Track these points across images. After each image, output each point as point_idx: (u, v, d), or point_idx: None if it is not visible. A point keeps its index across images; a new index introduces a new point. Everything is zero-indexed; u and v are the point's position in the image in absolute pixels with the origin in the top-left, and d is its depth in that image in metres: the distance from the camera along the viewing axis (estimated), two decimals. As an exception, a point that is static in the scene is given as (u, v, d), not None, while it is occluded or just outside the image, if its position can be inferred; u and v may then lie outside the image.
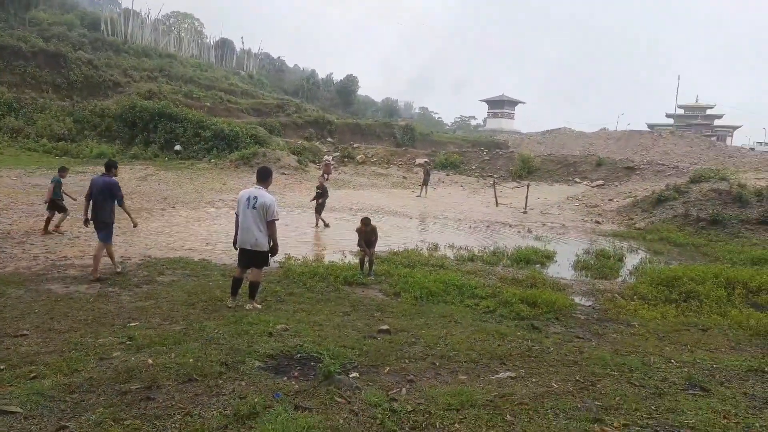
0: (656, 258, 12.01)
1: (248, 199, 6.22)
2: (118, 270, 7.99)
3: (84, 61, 37.45)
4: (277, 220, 6.34)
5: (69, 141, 28.70)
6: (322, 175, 18.15)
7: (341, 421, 3.40)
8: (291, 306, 6.71)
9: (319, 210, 13.99)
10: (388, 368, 4.55)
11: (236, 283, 6.59)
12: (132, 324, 5.55)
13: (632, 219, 18.43)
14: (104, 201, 7.87)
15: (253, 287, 6.56)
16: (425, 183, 24.39)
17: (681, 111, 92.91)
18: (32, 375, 4.06)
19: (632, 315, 7.37)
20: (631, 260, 11.71)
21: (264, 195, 6.22)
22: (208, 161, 28.35)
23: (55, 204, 11.14)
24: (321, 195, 14.04)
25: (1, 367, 4.21)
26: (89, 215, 8.03)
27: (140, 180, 21.95)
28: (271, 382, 4.09)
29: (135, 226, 8.63)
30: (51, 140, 28.13)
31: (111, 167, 8.17)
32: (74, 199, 11.62)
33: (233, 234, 6.58)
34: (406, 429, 3.34)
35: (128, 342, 4.90)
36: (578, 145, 55.88)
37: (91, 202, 7.97)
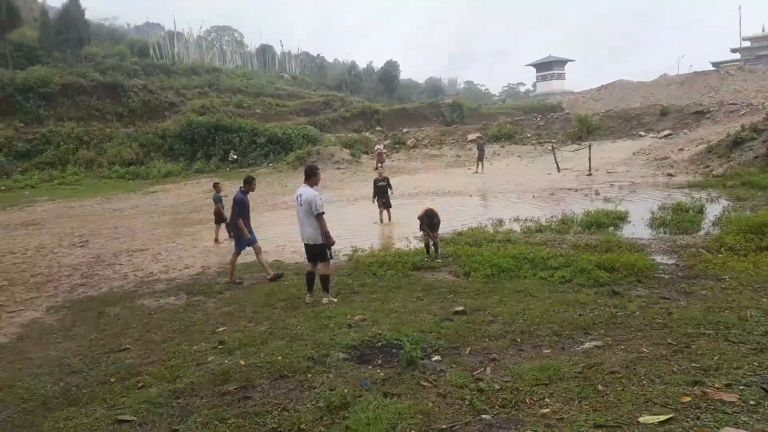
0: (740, 205, 11.20)
1: (297, 197, 6.69)
2: (235, 280, 8.34)
3: (140, 88, 39.53)
4: (323, 212, 6.57)
5: (138, 164, 30.53)
6: (379, 166, 18.10)
7: (430, 404, 3.45)
8: (365, 296, 6.85)
9: (388, 204, 13.12)
10: (469, 349, 4.55)
11: (310, 278, 6.87)
12: (220, 329, 5.88)
13: (708, 166, 17.25)
14: (233, 214, 8.55)
15: (324, 281, 6.81)
16: (480, 158, 23.93)
17: (747, 44, 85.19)
18: (140, 385, 4.40)
19: (721, 268, 6.94)
20: (713, 210, 10.99)
21: (308, 191, 6.59)
22: (267, 166, 29.23)
23: (222, 217, 12.23)
24: (388, 186, 13.14)
25: (112, 380, 4.60)
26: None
27: (207, 192, 22.98)
28: (357, 372, 4.21)
29: (250, 244, 8.68)
30: (122, 166, 30.05)
31: (246, 183, 8.60)
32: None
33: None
34: (496, 407, 3.34)
35: (220, 346, 5.19)
36: (638, 96, 52.74)
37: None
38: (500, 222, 11.49)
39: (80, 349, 5.57)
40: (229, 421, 3.51)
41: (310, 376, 4.23)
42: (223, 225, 12.21)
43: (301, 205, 6.62)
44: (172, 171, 29.72)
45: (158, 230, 14.57)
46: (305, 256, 7.08)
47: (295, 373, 4.29)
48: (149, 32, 74.52)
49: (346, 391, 3.73)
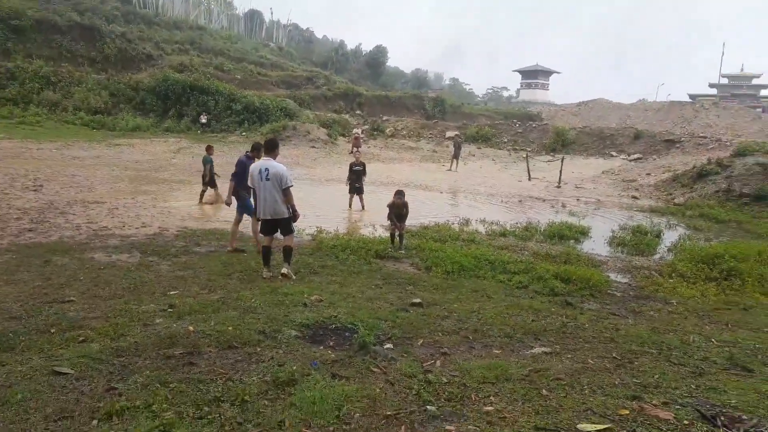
0: (696, 234, 11.65)
1: (260, 171, 6.45)
2: (233, 247, 8.07)
3: (117, 35, 37.89)
4: (292, 186, 6.54)
5: (105, 114, 29.33)
6: (356, 150, 17.91)
7: (377, 390, 3.45)
8: (324, 278, 6.80)
9: (360, 190, 12.76)
10: (421, 340, 4.58)
11: (267, 253, 6.75)
12: (172, 292, 5.72)
13: (671, 194, 17.86)
14: (239, 180, 8.12)
15: (288, 252, 6.72)
16: (456, 156, 24.08)
17: (725, 80, 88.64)
18: (81, 339, 4.24)
19: (671, 293, 7.21)
20: (670, 237, 11.39)
21: (274, 165, 6.48)
22: (239, 134, 28.61)
23: (212, 181, 12.28)
24: (363, 172, 12.90)
25: (52, 330, 4.41)
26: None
27: (174, 152, 22.38)
28: (308, 351, 4.18)
29: (227, 204, 8.52)
30: (88, 113, 28.79)
31: (254, 149, 7.99)
32: (218, 176, 12.57)
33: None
34: (442, 400, 3.36)
35: (169, 310, 5.06)
36: (615, 117, 54.09)
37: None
38: (467, 221, 11.60)
39: (21, 296, 5.32)
40: (171, 385, 3.42)
41: (259, 349, 4.17)
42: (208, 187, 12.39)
43: (267, 179, 6.39)
44: (141, 126, 28.70)
45: (118, 184, 14.08)
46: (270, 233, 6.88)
47: (245, 345, 4.22)
48: (135, -21, 71.45)
49: (294, 368, 3.69)
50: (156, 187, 14.04)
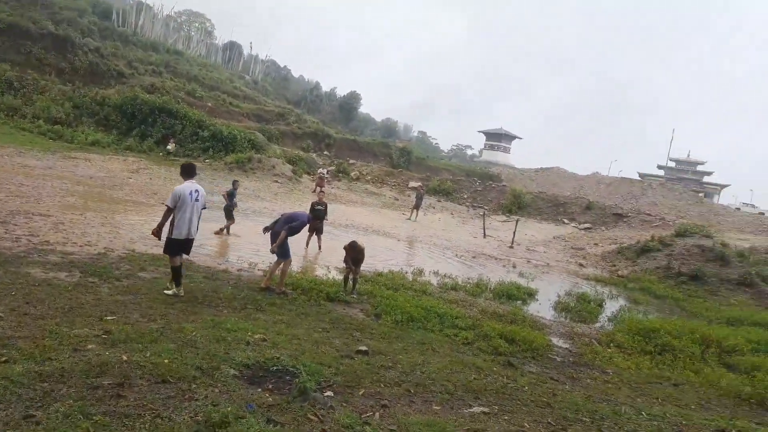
0: (635, 307, 12.14)
1: (192, 193, 6.85)
2: (282, 290, 7.92)
3: (90, 48, 37.34)
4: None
5: (65, 125, 28.39)
6: (319, 190, 17.97)
7: (311, 439, 3.39)
8: (271, 316, 6.68)
9: (320, 230, 12.66)
10: (363, 390, 4.54)
11: (180, 272, 6.96)
12: (109, 317, 5.49)
13: (615, 266, 18.65)
14: (284, 224, 8.18)
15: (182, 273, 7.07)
16: (417, 207, 24.49)
17: (672, 164, 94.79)
18: (3, 359, 3.99)
19: (607, 362, 7.44)
20: (611, 307, 11.83)
21: (201, 187, 7.08)
22: (203, 161, 28.24)
23: (229, 212, 12.59)
24: (324, 212, 12.90)
25: (-28, 348, 4.14)
26: (270, 225, 8.48)
27: (132, 172, 21.80)
28: (245, 392, 4.07)
29: (272, 252, 8.32)
30: (47, 123, 27.79)
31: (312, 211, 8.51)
32: (236, 206, 12.96)
33: (165, 227, 6.86)
34: (376, 454, 3.33)
35: (104, 335, 4.84)
36: (570, 186, 56.62)
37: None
38: (420, 272, 11.72)
39: (-57, 307, 4.99)
40: (94, 417, 3.25)
41: (194, 386, 4.03)
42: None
43: (197, 200, 6.90)
44: (101, 141, 27.86)
45: (68, 198, 13.54)
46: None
47: (179, 381, 4.07)
48: (116, -4, 71.40)
49: (229, 409, 3.58)
50: (108, 205, 13.59)
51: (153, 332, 5.14)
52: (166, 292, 6.85)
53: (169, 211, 6.85)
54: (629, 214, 31.96)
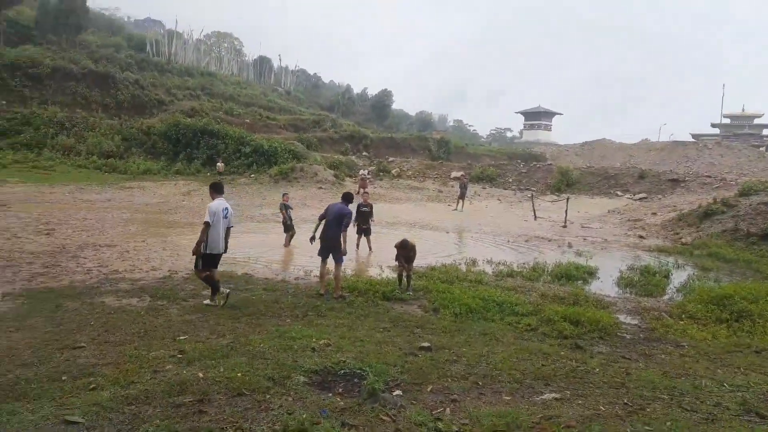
0: (705, 275, 11.57)
1: (223, 210, 7.33)
2: (339, 294, 8.11)
3: (131, 81, 39.17)
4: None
5: (117, 158, 29.94)
6: (363, 191, 18.08)
7: (387, 439, 3.44)
8: (332, 321, 6.81)
9: (368, 231, 12.86)
10: (431, 387, 4.56)
11: (213, 280, 7.38)
12: (182, 337, 5.75)
13: (678, 234, 17.83)
14: (337, 226, 8.30)
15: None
16: (462, 197, 24.28)
17: (727, 120, 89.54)
18: (91, 386, 4.26)
19: (681, 335, 7.14)
20: (678, 277, 11.33)
21: (229, 206, 7.54)
22: (248, 176, 29.06)
23: (287, 225, 12.92)
24: (370, 213, 13.04)
25: (63, 378, 4.45)
26: (317, 234, 8.61)
27: (184, 195, 22.71)
28: (317, 398, 4.17)
29: (344, 254, 8.68)
30: (100, 157, 29.40)
31: (347, 198, 8.66)
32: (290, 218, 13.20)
33: (207, 243, 7.24)
34: (452, 449, 3.34)
35: (179, 355, 5.08)
36: (619, 157, 54.58)
37: (323, 223, 8.53)
38: (473, 262, 11.62)
39: (33, 342, 5.37)
40: (180, 435, 3.42)
41: (268, 396, 4.17)
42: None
43: (226, 217, 7.37)
44: (151, 169, 29.24)
45: (129, 227, 14.27)
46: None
47: (254, 392, 4.22)
48: (149, 28, 74.41)
49: (304, 416, 3.69)
50: (167, 230, 14.21)
51: (224, 348, 5.35)
52: (205, 302, 7.28)
53: (207, 226, 7.16)
54: (686, 179, 30.48)
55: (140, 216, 16.53)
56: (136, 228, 14.20)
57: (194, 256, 7.33)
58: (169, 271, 9.49)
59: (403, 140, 48.57)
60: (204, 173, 29.71)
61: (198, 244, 7.21)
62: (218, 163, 29.97)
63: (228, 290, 7.37)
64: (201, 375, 4.49)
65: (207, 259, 7.30)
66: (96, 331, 5.88)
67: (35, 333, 5.69)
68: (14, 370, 4.54)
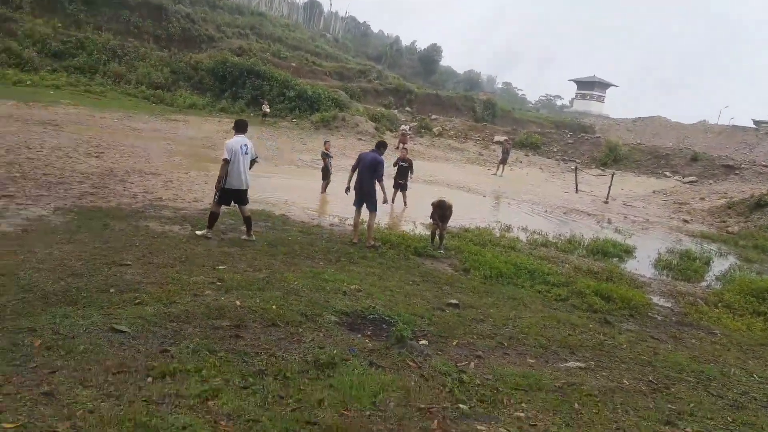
0: (747, 266, 11.18)
1: (241, 147, 7.43)
2: (371, 244, 8.16)
3: (182, 15, 39.12)
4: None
5: (165, 90, 30.42)
6: (402, 146, 17.94)
7: (412, 383, 3.55)
8: (363, 268, 6.94)
9: (405, 186, 12.71)
10: (456, 341, 4.65)
11: (216, 218, 7.56)
12: (220, 267, 5.98)
13: (725, 222, 17.14)
14: (370, 175, 8.29)
15: (251, 222, 7.66)
16: (503, 161, 23.81)
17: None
18: (136, 301, 4.52)
19: (715, 322, 6.99)
20: (719, 265, 10.98)
21: (249, 141, 7.63)
22: (290, 121, 29.16)
23: (327, 173, 13.13)
24: (408, 169, 12.92)
25: (111, 290, 4.71)
26: (350, 184, 8.60)
27: (227, 133, 23.01)
28: (346, 337, 4.32)
29: (384, 202, 8.89)
30: (149, 88, 29.94)
31: (381, 146, 8.63)
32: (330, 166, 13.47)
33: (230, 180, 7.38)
34: (474, 401, 3.44)
35: (218, 283, 5.30)
36: (672, 136, 52.16)
37: (356, 173, 8.51)
38: (508, 228, 11.52)
39: (83, 255, 5.67)
40: (218, 354, 3.62)
41: (300, 330, 4.35)
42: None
43: (246, 153, 7.49)
44: (197, 104, 29.63)
45: (173, 158, 14.64)
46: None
47: (287, 325, 4.40)
48: (202, -38, 73.39)
49: (335, 352, 3.84)
50: (208, 164, 14.53)
51: (260, 281, 5.55)
52: (197, 232, 7.46)
53: (226, 163, 7.34)
54: (742, 166, 28.98)
55: (184, 149, 16.90)
56: (180, 160, 14.55)
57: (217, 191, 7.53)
58: (209, 204, 9.75)
59: (448, 98, 47.49)
60: (247, 113, 29.93)
61: (218, 180, 7.43)
62: (264, 105, 30.10)
63: (211, 237, 7.43)
64: (238, 303, 4.69)
65: (225, 195, 7.47)
66: (141, 252, 6.16)
67: (84, 247, 6.01)
68: (66, 279, 4.83)
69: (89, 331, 3.74)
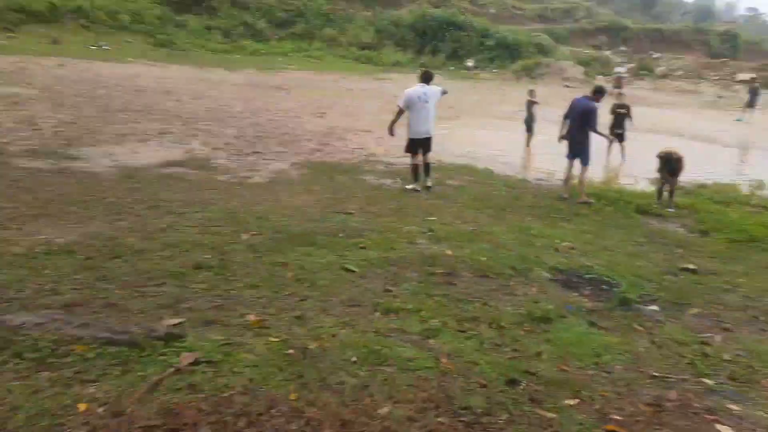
0: None
1: (419, 96, 7.38)
2: (583, 200, 7.57)
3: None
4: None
5: (372, 49, 32.23)
6: (618, 92, 16.05)
7: (642, 349, 3.25)
8: (576, 226, 6.52)
9: (623, 137, 11.49)
10: (695, 310, 4.08)
11: (418, 169, 7.70)
12: (430, 218, 6.22)
13: None
14: (581, 124, 7.61)
15: (429, 168, 7.84)
16: (750, 104, 19.64)
17: None
18: (361, 246, 4.97)
19: None
20: None
21: (429, 88, 7.55)
22: (491, 72, 28.44)
23: (529, 125, 12.35)
24: (626, 116, 11.60)
25: (340, 235, 5.27)
26: (564, 133, 7.99)
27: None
28: (561, 294, 4.14)
29: (611, 142, 9.30)
30: (358, 48, 32.05)
31: (597, 92, 7.90)
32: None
33: (415, 130, 7.61)
34: (722, 377, 2.99)
35: (429, 233, 5.54)
36: None
37: (567, 121, 7.89)
38: (760, 184, 9.54)
39: (317, 204, 6.46)
40: (435, 298, 3.81)
41: (512, 283, 4.30)
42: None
43: (427, 101, 7.40)
44: (400, 61, 30.76)
45: (382, 116, 15.52)
46: (420, 151, 7.67)
47: (498, 277, 4.40)
48: None
49: (550, 307, 3.71)
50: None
51: (468, 233, 5.63)
52: (406, 186, 7.65)
53: (400, 111, 7.55)
54: None
55: (390, 107, 17.79)
56: (388, 117, 15.36)
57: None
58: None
59: (674, 33, 40.64)
60: (447, 67, 30.06)
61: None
62: (469, 62, 29.82)
63: (420, 189, 7.60)
64: (449, 252, 4.84)
65: (412, 144, 7.66)
66: (361, 202, 6.76)
67: (317, 197, 6.83)
68: (305, 224, 5.55)
69: (327, 269, 4.26)
